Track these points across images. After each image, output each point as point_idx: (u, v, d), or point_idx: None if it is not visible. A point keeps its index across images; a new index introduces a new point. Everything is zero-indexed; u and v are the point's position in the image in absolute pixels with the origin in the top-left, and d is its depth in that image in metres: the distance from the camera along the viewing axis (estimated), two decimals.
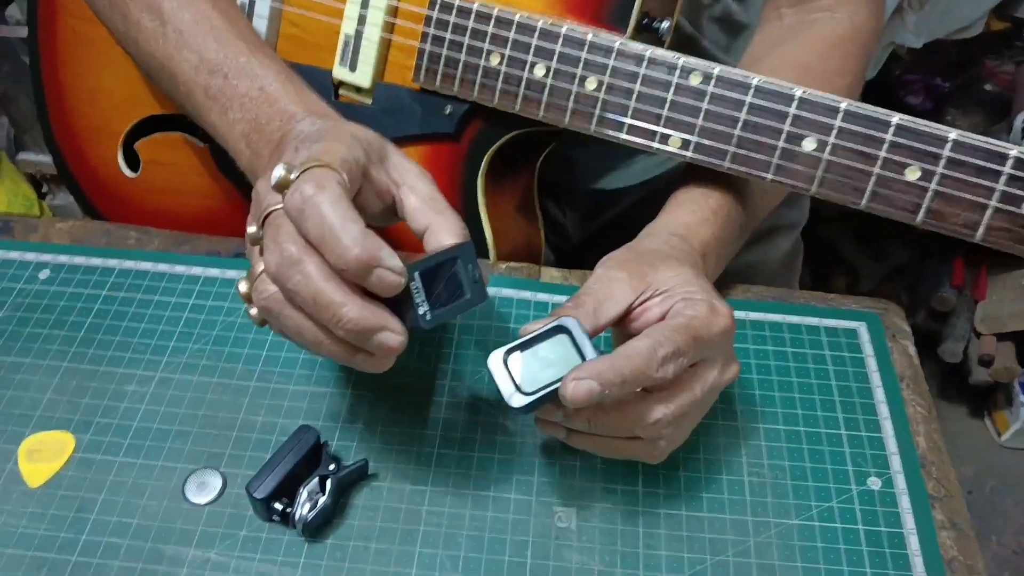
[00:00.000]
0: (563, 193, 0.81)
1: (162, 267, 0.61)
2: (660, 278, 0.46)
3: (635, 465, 0.50)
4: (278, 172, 0.40)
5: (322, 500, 0.46)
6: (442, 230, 0.43)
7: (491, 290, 0.60)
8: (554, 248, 0.85)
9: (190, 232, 0.65)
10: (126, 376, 0.54)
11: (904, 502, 0.49)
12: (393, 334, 0.39)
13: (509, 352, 0.44)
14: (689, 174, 0.57)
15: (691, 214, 0.53)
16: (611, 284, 0.46)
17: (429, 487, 0.49)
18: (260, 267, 0.42)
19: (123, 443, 0.51)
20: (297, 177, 0.39)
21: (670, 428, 0.45)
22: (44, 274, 0.60)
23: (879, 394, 0.54)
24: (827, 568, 0.46)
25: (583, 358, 0.43)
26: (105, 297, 0.59)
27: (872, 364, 0.56)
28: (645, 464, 0.50)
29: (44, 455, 0.51)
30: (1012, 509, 1.46)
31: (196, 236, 0.64)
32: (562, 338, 0.44)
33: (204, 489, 0.49)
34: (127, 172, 0.71)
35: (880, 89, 1.45)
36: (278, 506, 0.46)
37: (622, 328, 0.47)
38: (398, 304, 0.40)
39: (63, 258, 0.61)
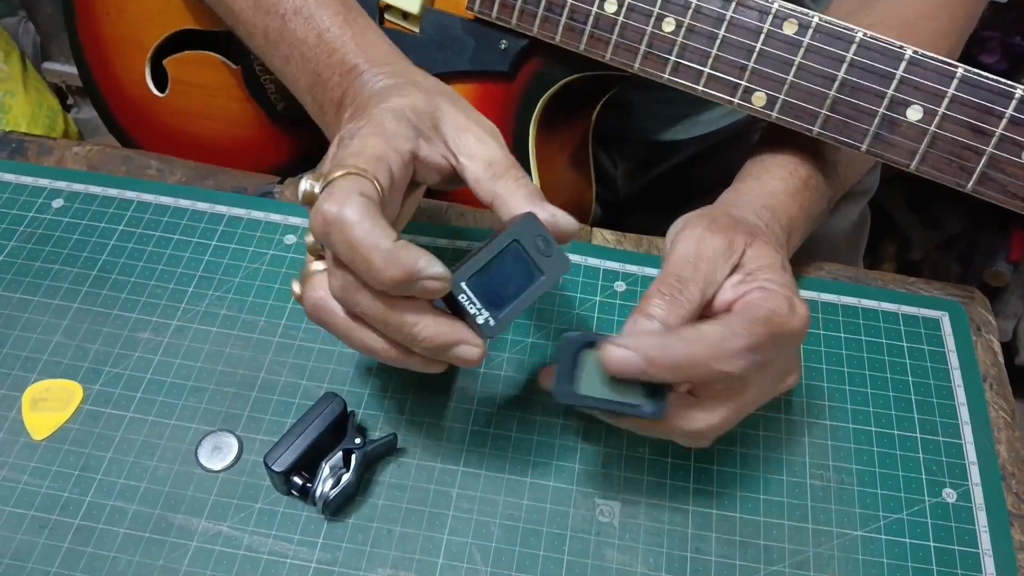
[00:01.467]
0: (616, 143, 0.76)
1: (184, 203, 0.56)
2: (750, 256, 0.41)
3: (687, 458, 0.46)
4: (304, 186, 0.37)
5: (345, 477, 0.43)
6: (508, 202, 0.38)
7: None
8: (600, 201, 0.80)
9: (216, 159, 0.60)
10: (140, 322, 0.50)
11: (981, 519, 0.45)
12: (471, 347, 0.36)
13: (587, 344, 0.38)
14: (770, 135, 0.51)
15: (782, 182, 0.48)
16: (713, 261, 0.40)
17: (461, 467, 0.45)
18: (313, 266, 0.38)
19: (134, 396, 0.47)
20: (320, 191, 0.35)
21: (710, 435, 0.40)
22: (58, 203, 0.56)
23: (960, 395, 0.49)
24: None
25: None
26: (122, 232, 0.54)
27: (954, 360, 0.51)
28: (698, 458, 0.46)
29: (50, 404, 0.47)
30: None
31: (221, 169, 0.59)
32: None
33: (218, 453, 0.45)
34: (154, 90, 0.67)
35: None
36: (298, 480, 0.43)
37: None
38: (461, 312, 0.36)
39: (78, 186, 0.57)
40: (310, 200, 0.36)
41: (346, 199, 0.35)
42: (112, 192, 0.56)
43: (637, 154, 0.77)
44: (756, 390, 0.40)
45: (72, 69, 1.41)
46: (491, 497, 0.44)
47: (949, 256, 1.50)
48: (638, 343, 0.36)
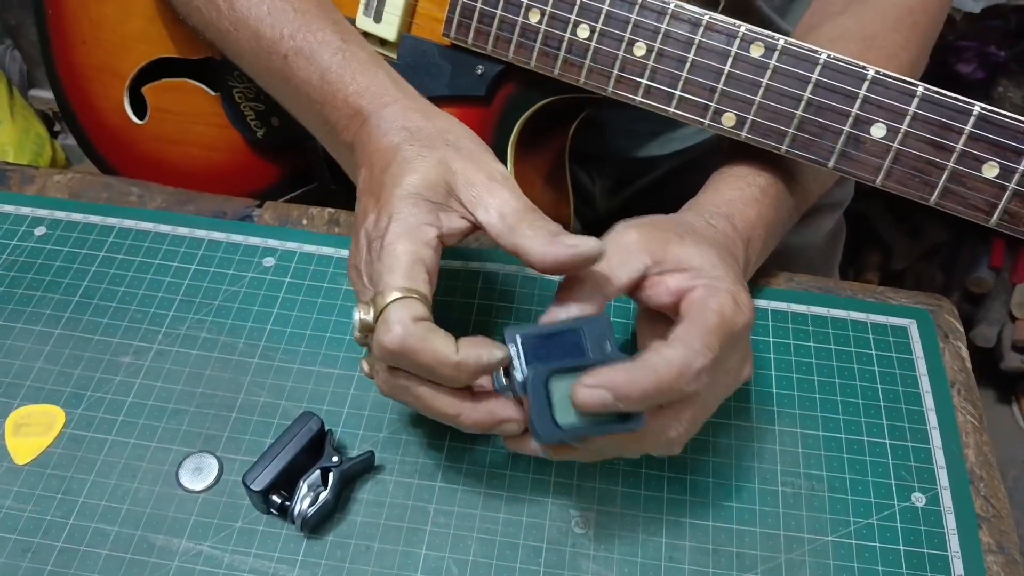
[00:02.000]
0: (593, 160, 0.77)
1: (164, 228, 0.57)
2: (684, 252, 0.42)
3: (661, 468, 0.47)
4: (357, 317, 0.39)
5: (323, 494, 0.43)
6: (528, 253, 0.39)
7: (511, 268, 0.56)
8: (580, 217, 0.81)
9: (196, 185, 0.61)
10: (121, 346, 0.51)
11: (950, 522, 0.46)
12: (511, 425, 0.40)
13: (553, 373, 0.39)
14: (734, 150, 0.52)
15: (737, 191, 0.49)
16: (623, 248, 0.42)
17: (438, 483, 0.46)
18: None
19: (116, 420, 0.48)
20: (375, 321, 0.39)
21: (682, 440, 0.41)
22: (40, 231, 0.57)
23: (928, 400, 0.50)
24: None
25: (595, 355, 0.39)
26: (103, 259, 0.55)
27: (922, 367, 0.52)
28: (671, 468, 0.47)
29: (32, 430, 0.48)
30: None
31: (201, 194, 0.60)
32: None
33: (199, 475, 0.46)
34: (133, 118, 0.68)
35: (930, 55, 1.38)
36: (276, 499, 0.43)
37: (634, 298, 0.43)
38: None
39: (60, 214, 0.58)
40: (366, 329, 0.39)
41: (403, 330, 0.37)
42: (93, 219, 0.57)
43: (614, 171, 0.78)
44: (717, 390, 0.41)
45: None
46: (468, 512, 0.45)
47: (932, 265, 1.51)
48: (605, 379, 0.37)
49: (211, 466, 0.46)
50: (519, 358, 0.38)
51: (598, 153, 0.75)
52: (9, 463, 0.46)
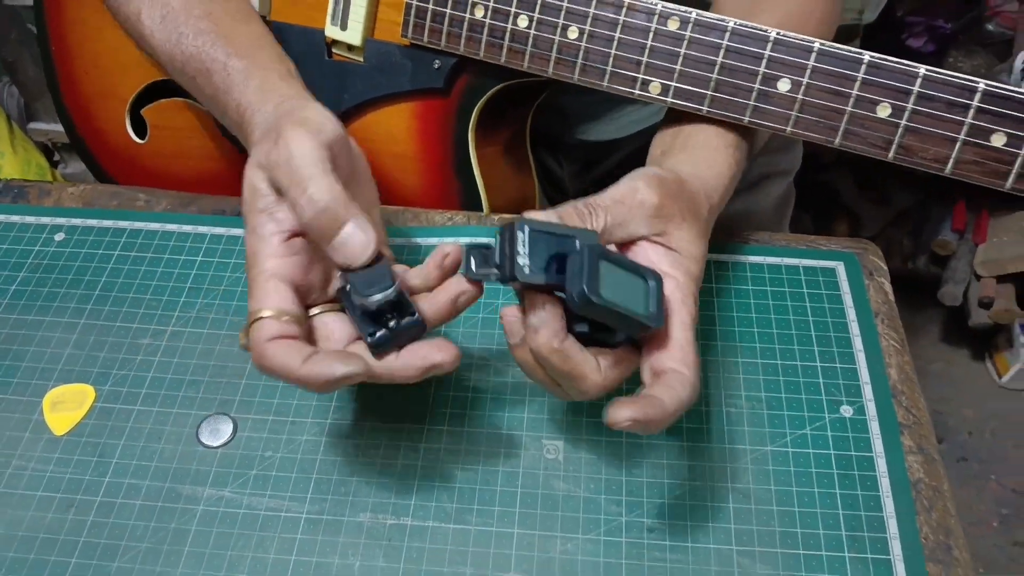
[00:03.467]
0: (559, 145, 0.83)
1: (170, 227, 0.64)
2: (680, 236, 0.46)
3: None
4: (242, 341, 0.43)
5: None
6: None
7: (482, 241, 0.62)
8: (551, 200, 0.87)
9: (197, 191, 0.68)
10: (140, 331, 0.58)
11: (874, 428, 0.52)
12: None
13: (604, 256, 0.41)
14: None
15: (728, 168, 0.52)
16: (633, 208, 0.44)
17: (426, 426, 0.53)
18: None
19: (140, 392, 0.55)
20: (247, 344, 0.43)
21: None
22: (59, 236, 0.63)
23: (854, 328, 0.57)
24: (799, 490, 0.50)
25: (652, 311, 0.41)
26: (118, 257, 0.62)
27: (848, 301, 0.58)
28: None
29: (67, 406, 0.54)
30: (1012, 450, 1.48)
31: (201, 196, 0.67)
32: (639, 283, 0.42)
33: (216, 433, 0.53)
34: (135, 138, 0.74)
35: (881, 32, 1.45)
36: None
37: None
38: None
39: (76, 220, 0.64)
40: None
41: (257, 352, 0.41)
42: (106, 223, 0.64)
43: (578, 155, 0.84)
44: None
45: (57, 127, 1.49)
46: (453, 447, 0.52)
47: (900, 231, 1.58)
48: (636, 413, 0.40)
49: (226, 425, 0.53)
50: (523, 245, 0.40)
51: (563, 139, 0.82)
52: (49, 435, 0.53)
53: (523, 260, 0.40)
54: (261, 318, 0.42)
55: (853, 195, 1.49)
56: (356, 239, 0.42)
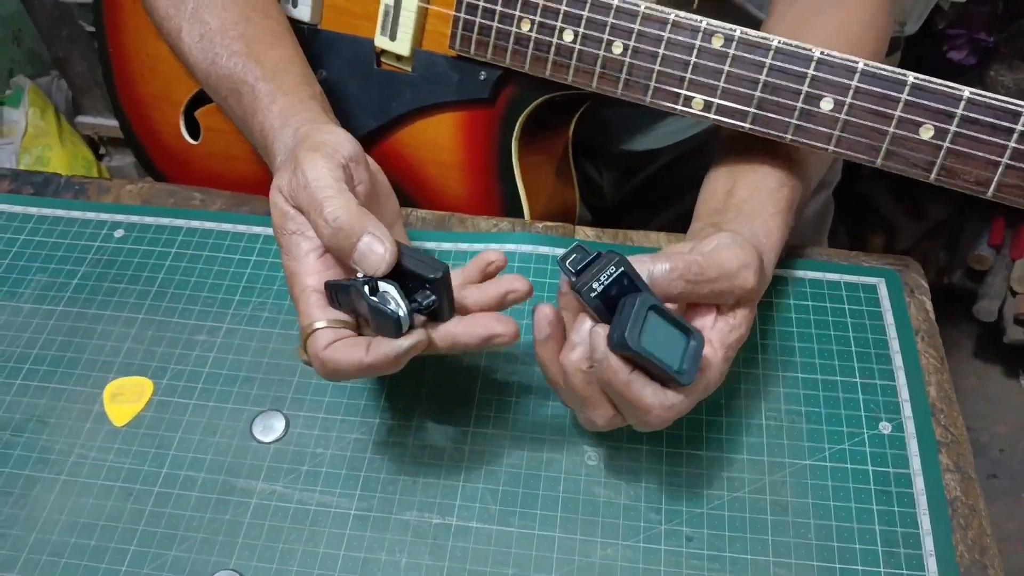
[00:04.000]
0: (599, 154, 0.85)
1: (225, 226, 0.66)
2: (743, 313, 0.48)
3: None
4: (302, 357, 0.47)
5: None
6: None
7: (527, 247, 0.64)
8: (592, 208, 0.89)
9: (249, 192, 0.70)
10: (196, 327, 0.60)
11: (912, 446, 0.53)
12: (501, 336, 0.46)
13: (656, 309, 0.44)
14: (735, 143, 0.58)
15: (780, 232, 0.53)
16: (733, 287, 0.46)
17: (471, 428, 0.54)
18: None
19: (196, 387, 0.57)
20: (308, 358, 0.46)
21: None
22: (119, 233, 0.65)
23: (894, 346, 0.58)
24: (836, 505, 0.50)
25: (682, 369, 0.44)
26: (175, 254, 0.64)
27: (889, 318, 0.59)
28: None
29: (126, 398, 0.56)
30: None
31: (254, 197, 0.69)
32: (681, 338, 0.45)
33: (269, 429, 0.54)
34: (189, 139, 0.76)
35: (923, 44, 1.44)
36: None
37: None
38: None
39: (135, 218, 0.66)
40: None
41: (319, 360, 0.44)
42: (164, 221, 0.66)
43: (618, 164, 0.86)
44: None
45: (103, 121, 1.53)
46: (497, 450, 0.53)
47: (936, 244, 1.57)
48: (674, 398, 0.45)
49: (279, 422, 0.55)
50: (607, 276, 0.44)
51: (604, 148, 0.83)
52: (109, 426, 0.55)
53: (598, 285, 0.44)
54: (316, 330, 0.45)
55: (889, 207, 1.49)
56: (374, 251, 0.44)
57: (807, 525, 0.50)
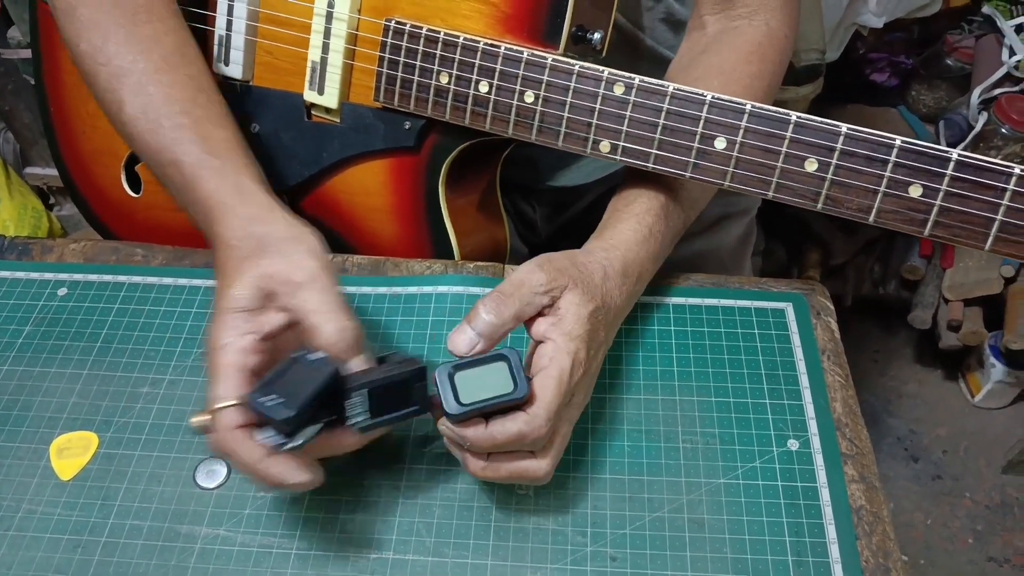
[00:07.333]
0: (530, 191, 0.88)
1: (166, 280, 0.68)
2: (565, 301, 0.52)
3: (584, 439, 0.58)
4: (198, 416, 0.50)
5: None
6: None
7: (458, 288, 0.67)
8: (527, 242, 0.92)
9: (189, 242, 0.72)
10: (139, 379, 0.62)
11: (818, 460, 0.57)
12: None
13: (456, 368, 0.49)
14: (631, 176, 0.63)
15: (632, 232, 0.59)
16: (532, 288, 0.52)
17: (407, 465, 0.57)
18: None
19: (140, 438, 0.59)
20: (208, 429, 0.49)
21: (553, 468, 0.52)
22: (62, 291, 0.68)
23: (801, 366, 0.62)
24: (748, 520, 0.54)
25: (515, 385, 0.48)
26: (117, 310, 0.66)
27: (796, 340, 0.63)
28: (593, 437, 0.58)
29: (72, 452, 0.58)
30: (984, 468, 1.53)
31: (194, 250, 0.71)
32: (501, 366, 0.49)
33: (212, 475, 0.57)
34: (130, 192, 0.78)
35: (846, 69, 1.51)
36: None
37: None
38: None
39: (78, 276, 0.69)
40: (205, 426, 0.49)
41: (221, 436, 0.47)
42: (106, 277, 0.68)
43: (550, 200, 0.89)
44: (565, 426, 0.52)
45: (52, 171, 1.54)
46: (431, 484, 0.56)
47: (870, 258, 1.63)
48: (463, 435, 0.49)
49: (221, 468, 0.57)
50: (365, 401, 0.48)
51: (534, 186, 0.87)
52: (56, 480, 0.57)
53: (362, 417, 0.49)
54: (229, 406, 0.47)
55: (823, 226, 1.54)
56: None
57: (722, 540, 0.53)
